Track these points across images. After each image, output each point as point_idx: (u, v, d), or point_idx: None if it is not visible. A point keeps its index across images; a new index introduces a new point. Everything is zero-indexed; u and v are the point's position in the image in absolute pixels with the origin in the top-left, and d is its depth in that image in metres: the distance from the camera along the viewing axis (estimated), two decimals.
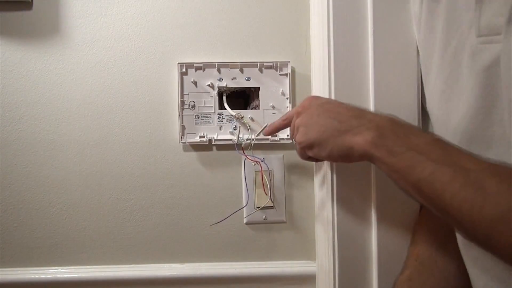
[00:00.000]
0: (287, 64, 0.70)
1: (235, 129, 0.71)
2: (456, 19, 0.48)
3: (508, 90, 0.41)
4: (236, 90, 0.73)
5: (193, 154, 0.72)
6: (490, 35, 0.43)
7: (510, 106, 0.41)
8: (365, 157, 0.45)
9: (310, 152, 0.52)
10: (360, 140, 0.45)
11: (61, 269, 0.71)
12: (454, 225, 0.39)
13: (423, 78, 0.59)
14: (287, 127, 0.61)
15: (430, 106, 0.56)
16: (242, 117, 0.70)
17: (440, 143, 0.42)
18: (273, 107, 0.71)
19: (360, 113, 0.48)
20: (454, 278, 0.56)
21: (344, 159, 0.49)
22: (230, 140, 0.71)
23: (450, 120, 0.49)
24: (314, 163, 0.71)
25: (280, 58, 0.71)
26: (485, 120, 0.44)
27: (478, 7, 0.44)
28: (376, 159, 0.44)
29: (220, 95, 0.71)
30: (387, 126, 0.44)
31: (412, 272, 0.57)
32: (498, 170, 0.37)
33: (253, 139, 0.70)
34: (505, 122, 0.42)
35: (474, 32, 0.44)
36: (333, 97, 0.63)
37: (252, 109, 0.73)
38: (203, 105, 0.71)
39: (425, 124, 0.61)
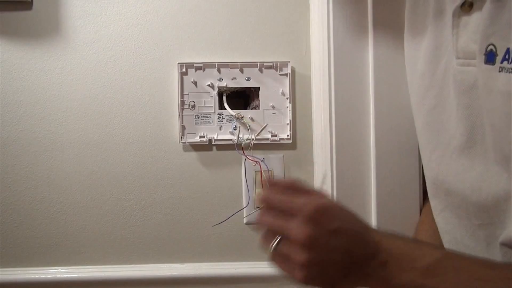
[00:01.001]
0: (287, 64, 0.70)
1: (235, 129, 0.71)
2: (447, 38, 0.48)
3: (487, 114, 0.42)
4: (236, 90, 0.73)
5: (193, 154, 0.72)
6: (466, 58, 0.44)
7: (490, 128, 0.42)
8: None
9: None
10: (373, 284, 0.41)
11: (61, 269, 0.71)
12: None
13: (408, 82, 0.59)
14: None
15: (415, 114, 0.56)
16: (242, 117, 0.70)
17: (448, 270, 0.38)
18: (273, 107, 0.71)
19: (372, 252, 0.40)
20: None
21: None
22: (230, 140, 0.71)
23: (440, 136, 0.50)
24: (314, 166, 0.71)
25: (280, 58, 0.71)
26: (469, 139, 0.45)
27: (455, 32, 0.45)
28: None
29: (220, 95, 0.71)
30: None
31: None
32: None
33: (253, 139, 0.70)
34: (487, 142, 0.43)
35: (454, 55, 0.45)
36: (333, 97, 0.63)
37: (252, 109, 0.73)
38: (203, 105, 0.71)
39: None
